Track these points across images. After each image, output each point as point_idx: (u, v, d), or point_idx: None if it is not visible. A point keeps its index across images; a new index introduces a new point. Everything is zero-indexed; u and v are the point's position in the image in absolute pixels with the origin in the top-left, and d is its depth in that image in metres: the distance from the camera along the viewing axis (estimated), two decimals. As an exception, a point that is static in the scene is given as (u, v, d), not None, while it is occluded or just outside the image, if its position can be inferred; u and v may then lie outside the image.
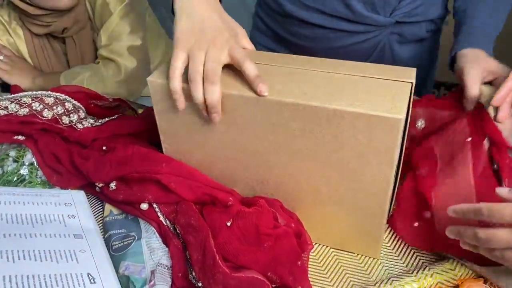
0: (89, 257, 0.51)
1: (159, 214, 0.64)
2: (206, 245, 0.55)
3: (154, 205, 0.64)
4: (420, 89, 1.05)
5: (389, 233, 0.66)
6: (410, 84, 0.54)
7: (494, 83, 0.69)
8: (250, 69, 0.55)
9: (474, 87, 0.67)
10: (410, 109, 0.54)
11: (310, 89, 0.54)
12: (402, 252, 0.63)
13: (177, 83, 0.55)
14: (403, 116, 0.49)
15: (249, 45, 0.63)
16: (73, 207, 0.60)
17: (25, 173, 0.69)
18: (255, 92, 0.54)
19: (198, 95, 0.55)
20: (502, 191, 0.53)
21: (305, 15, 0.90)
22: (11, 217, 0.52)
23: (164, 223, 0.63)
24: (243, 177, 0.63)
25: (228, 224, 0.58)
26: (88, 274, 0.48)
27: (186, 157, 0.65)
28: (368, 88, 0.53)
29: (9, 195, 0.56)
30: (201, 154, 0.64)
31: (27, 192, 0.59)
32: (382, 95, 0.52)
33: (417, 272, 0.57)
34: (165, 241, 0.61)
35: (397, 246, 0.64)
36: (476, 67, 0.69)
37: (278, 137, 0.56)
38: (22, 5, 0.97)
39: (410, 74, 0.55)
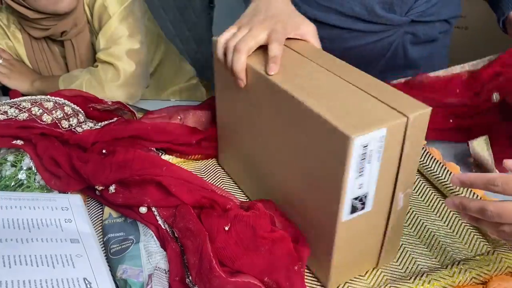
0: (85, 262, 0.51)
1: (157, 217, 0.64)
2: (203, 250, 0.55)
3: (153, 209, 0.64)
4: None
5: (387, 238, 0.65)
6: (405, 120, 0.47)
7: None
8: (272, 49, 0.58)
9: None
10: (406, 149, 0.48)
11: (313, 87, 0.53)
12: (401, 258, 0.63)
13: (220, 51, 0.63)
14: (362, 140, 0.44)
15: (315, 43, 0.65)
16: (70, 211, 0.59)
17: (23, 178, 0.69)
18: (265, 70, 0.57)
19: (239, 63, 0.60)
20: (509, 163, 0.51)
21: (322, 16, 0.91)
22: (7, 222, 0.52)
23: (162, 226, 0.63)
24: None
25: (226, 228, 0.58)
26: (84, 279, 0.48)
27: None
28: (366, 105, 0.49)
29: (5, 199, 0.56)
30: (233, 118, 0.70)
31: (24, 196, 0.59)
32: (371, 115, 0.47)
33: (414, 278, 0.57)
34: (163, 244, 0.61)
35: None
36: None
37: (273, 121, 0.58)
38: (21, 9, 0.97)
39: (417, 109, 0.48)
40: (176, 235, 0.61)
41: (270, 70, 0.56)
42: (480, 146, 0.73)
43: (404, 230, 0.66)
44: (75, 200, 0.63)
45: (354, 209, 0.49)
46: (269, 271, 0.54)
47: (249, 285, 0.52)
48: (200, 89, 1.34)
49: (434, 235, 0.66)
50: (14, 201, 0.56)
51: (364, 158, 0.46)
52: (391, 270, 0.61)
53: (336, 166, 0.46)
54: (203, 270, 0.54)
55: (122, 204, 0.64)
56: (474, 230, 0.66)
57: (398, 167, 0.49)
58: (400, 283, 0.57)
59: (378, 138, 0.45)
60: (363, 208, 0.50)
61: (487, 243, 0.64)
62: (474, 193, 0.68)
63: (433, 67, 1.02)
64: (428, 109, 0.48)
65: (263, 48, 0.61)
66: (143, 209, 0.64)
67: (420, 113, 0.47)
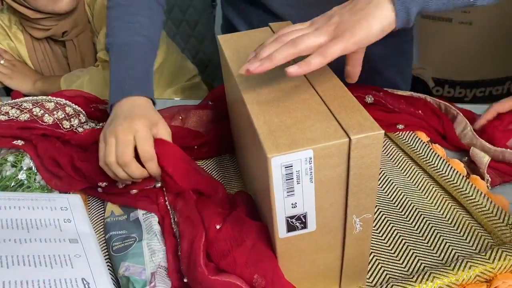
0: (84, 262, 0.51)
1: (166, 197, 0.65)
2: (195, 241, 0.55)
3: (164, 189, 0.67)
4: (395, 83, 1.03)
5: (390, 236, 0.65)
6: (347, 140, 0.44)
7: None
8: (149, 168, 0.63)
9: None
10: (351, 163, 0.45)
11: (271, 95, 0.52)
12: (404, 255, 0.62)
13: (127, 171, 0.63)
14: (281, 160, 0.42)
15: (165, 134, 0.66)
16: (69, 211, 0.59)
17: (23, 178, 0.69)
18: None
19: (122, 174, 0.62)
20: None
21: None
22: (6, 222, 0.52)
23: (169, 209, 0.64)
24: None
25: (218, 227, 0.58)
26: (82, 279, 0.48)
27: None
28: (313, 121, 0.47)
29: (5, 200, 0.56)
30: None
31: (23, 196, 0.59)
32: (308, 133, 0.45)
33: (417, 276, 0.56)
34: (164, 235, 0.61)
35: (398, 248, 0.63)
36: None
37: (245, 129, 0.58)
38: (22, 9, 0.97)
39: (365, 131, 0.44)
40: (175, 221, 0.61)
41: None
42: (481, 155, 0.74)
43: (406, 227, 0.66)
44: (75, 200, 0.63)
45: (292, 228, 0.48)
46: (254, 264, 0.53)
47: (230, 285, 0.52)
48: (202, 87, 1.34)
49: (437, 232, 0.65)
50: (13, 201, 0.56)
51: (291, 178, 0.44)
52: (393, 268, 0.60)
53: (266, 183, 0.45)
54: (191, 262, 0.54)
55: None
56: (478, 227, 0.65)
57: (347, 190, 0.47)
58: (403, 281, 0.56)
59: (304, 159, 0.43)
60: (304, 227, 0.49)
61: (491, 240, 0.63)
62: (478, 189, 0.67)
63: (393, 61, 1.01)
64: (380, 132, 0.44)
65: (247, 54, 0.59)
66: (158, 184, 0.66)
67: (367, 136, 0.44)
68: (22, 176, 0.69)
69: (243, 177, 0.76)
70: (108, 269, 0.61)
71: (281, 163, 0.43)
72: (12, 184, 0.68)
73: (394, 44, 0.98)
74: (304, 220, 0.48)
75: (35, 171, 0.70)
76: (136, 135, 0.62)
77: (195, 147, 0.80)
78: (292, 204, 0.46)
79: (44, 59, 1.10)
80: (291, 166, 0.43)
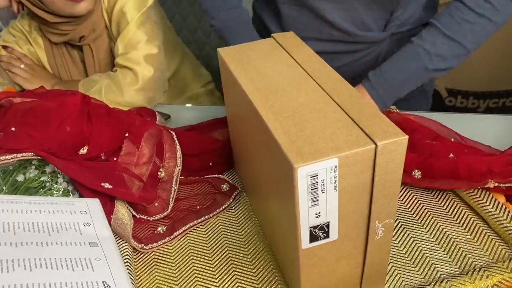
0: (104, 265, 0.51)
1: None
2: None
3: None
4: (429, 92, 1.05)
5: (406, 243, 0.65)
6: (373, 147, 0.44)
7: None
8: None
9: None
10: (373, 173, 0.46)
11: (286, 104, 0.52)
12: (420, 263, 0.62)
13: None
14: (307, 170, 0.42)
15: None
16: (89, 215, 0.60)
17: (46, 180, 0.70)
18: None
19: None
20: None
21: None
22: (27, 225, 0.53)
23: None
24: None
25: None
26: (103, 282, 0.48)
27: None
28: (334, 128, 0.47)
29: (26, 203, 0.57)
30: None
31: (43, 200, 0.60)
32: (330, 141, 0.45)
33: (434, 284, 0.56)
34: None
35: (414, 256, 0.63)
36: None
37: (255, 140, 0.58)
38: (40, 13, 0.99)
39: (390, 137, 0.45)
40: None
41: None
42: None
43: (423, 236, 0.66)
44: (94, 204, 0.64)
45: (315, 238, 0.48)
46: None
47: None
48: (216, 94, 1.35)
49: (454, 241, 0.65)
50: (34, 205, 0.57)
51: (316, 188, 0.44)
52: (411, 277, 0.60)
53: (289, 194, 0.45)
54: None
55: None
56: (495, 236, 0.65)
57: (371, 197, 0.48)
58: (420, 289, 0.56)
59: (329, 168, 0.44)
60: (326, 237, 0.49)
61: (509, 250, 0.62)
62: (494, 198, 0.67)
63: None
64: (405, 137, 0.45)
65: (255, 66, 0.61)
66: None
67: (393, 141, 0.44)
68: (45, 178, 0.70)
69: (247, 192, 0.77)
70: (128, 273, 0.61)
71: (307, 173, 0.43)
72: (35, 185, 0.69)
73: None
74: (326, 230, 0.48)
75: (58, 174, 0.71)
76: None
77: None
78: (316, 214, 0.46)
79: (62, 64, 1.11)
80: (317, 175, 0.44)
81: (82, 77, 1.08)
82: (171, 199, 0.73)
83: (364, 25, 0.87)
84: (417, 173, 0.70)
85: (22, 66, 1.07)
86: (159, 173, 0.75)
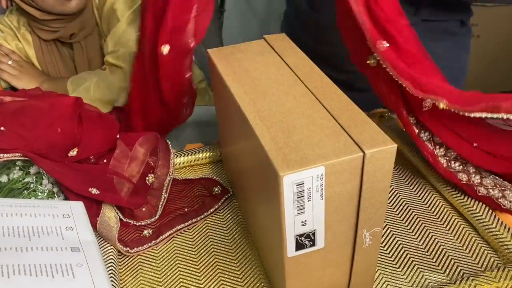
0: (85, 272, 0.50)
1: None
2: None
3: None
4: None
5: (395, 250, 0.64)
6: (361, 155, 0.43)
7: None
8: None
9: None
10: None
11: (274, 110, 0.50)
12: (408, 270, 0.61)
13: None
14: (293, 178, 0.41)
15: None
16: (72, 219, 0.59)
17: (30, 181, 0.69)
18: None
19: None
20: None
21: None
22: (7, 229, 0.52)
23: None
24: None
25: None
26: (84, 289, 0.48)
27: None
28: (322, 135, 0.46)
29: (7, 206, 0.55)
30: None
31: (25, 203, 0.59)
32: (318, 148, 0.44)
33: (422, 293, 0.56)
34: None
35: (402, 263, 0.62)
36: None
37: (244, 146, 0.57)
38: (30, 10, 0.97)
39: (379, 145, 0.44)
40: None
41: None
42: None
43: (412, 242, 0.65)
44: (77, 207, 0.62)
45: (301, 246, 0.48)
46: None
47: None
48: (208, 93, 1.33)
49: (443, 248, 0.64)
50: (15, 208, 0.56)
51: (302, 196, 0.43)
52: (398, 285, 0.59)
53: (275, 201, 0.44)
54: None
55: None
56: (484, 245, 0.64)
57: (358, 205, 0.47)
58: (407, 298, 0.56)
59: (316, 176, 0.43)
60: (313, 245, 0.48)
61: (497, 259, 0.62)
62: (485, 206, 0.66)
63: (460, 66, 1.00)
64: (393, 146, 0.44)
65: (244, 68, 0.59)
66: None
67: (381, 150, 0.43)
68: (29, 179, 0.68)
69: (235, 195, 0.76)
70: (112, 277, 0.60)
71: (293, 181, 0.42)
72: (19, 186, 0.68)
73: None
74: (313, 238, 0.47)
75: (43, 175, 0.69)
76: None
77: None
78: (302, 222, 0.46)
79: (52, 61, 1.10)
80: (303, 183, 0.43)
81: (71, 75, 1.07)
82: (160, 206, 0.72)
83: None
84: None
85: (9, 62, 1.05)
86: (147, 179, 0.74)
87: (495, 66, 1.77)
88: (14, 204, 0.56)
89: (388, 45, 0.63)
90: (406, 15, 0.85)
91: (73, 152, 0.73)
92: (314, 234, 0.47)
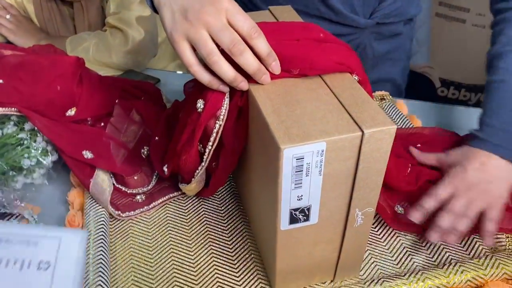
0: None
1: None
2: None
3: None
4: (399, 82, 1.05)
5: (385, 232, 0.64)
6: (359, 134, 0.43)
7: None
8: (261, 46, 0.49)
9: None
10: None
11: (280, 87, 0.49)
12: (397, 253, 0.62)
13: (206, 74, 0.51)
14: (294, 152, 0.41)
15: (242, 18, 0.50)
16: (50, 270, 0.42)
17: (24, 137, 0.68)
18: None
19: (229, 72, 0.49)
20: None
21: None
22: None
23: None
24: None
25: None
26: None
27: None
28: (325, 113, 0.45)
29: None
30: None
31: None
32: (320, 125, 0.44)
33: (409, 275, 0.56)
34: None
35: (393, 245, 0.63)
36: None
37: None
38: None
39: (378, 125, 0.44)
40: None
41: (264, 80, 0.50)
42: None
43: (403, 226, 0.66)
44: (70, 243, 0.43)
45: (295, 220, 0.48)
46: None
47: None
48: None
49: (432, 233, 0.65)
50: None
51: (300, 171, 0.43)
52: (386, 265, 0.60)
53: (273, 174, 0.44)
54: None
55: None
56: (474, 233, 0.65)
57: (353, 184, 0.47)
58: (394, 278, 0.56)
59: (316, 151, 0.42)
60: (306, 220, 0.48)
61: (486, 248, 0.63)
62: None
63: (401, 59, 1.02)
64: (393, 127, 0.44)
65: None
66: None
67: (380, 130, 0.43)
68: (23, 135, 0.67)
69: (233, 171, 0.75)
70: (102, 239, 0.60)
71: (293, 154, 0.42)
72: (13, 142, 0.67)
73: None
74: (307, 213, 0.47)
75: (37, 133, 0.68)
76: (228, 14, 0.49)
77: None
78: (298, 197, 0.46)
79: (51, 19, 1.07)
80: (303, 158, 0.42)
81: (70, 34, 1.04)
82: (154, 177, 0.72)
83: (352, 7, 0.86)
84: None
85: (8, 16, 1.03)
86: (142, 151, 0.73)
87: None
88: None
89: None
90: (360, 16, 0.86)
91: (71, 112, 0.72)
92: (309, 209, 0.47)
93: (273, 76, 0.50)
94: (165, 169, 0.64)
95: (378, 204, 0.60)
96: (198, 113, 0.54)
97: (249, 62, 0.48)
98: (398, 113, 0.85)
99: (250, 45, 0.49)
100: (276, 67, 0.50)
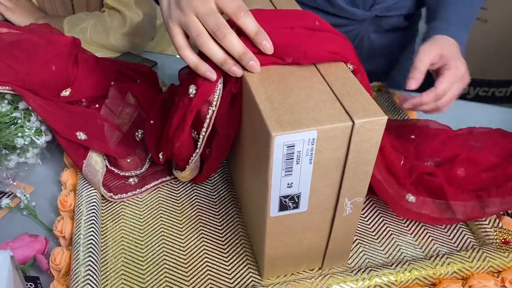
0: None
1: None
2: None
3: None
4: (385, 75, 1.04)
5: (375, 222, 0.65)
6: (350, 124, 0.43)
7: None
8: (248, 24, 0.49)
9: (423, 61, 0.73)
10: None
11: (276, 76, 0.49)
12: (386, 243, 0.62)
13: (193, 57, 0.52)
14: (285, 139, 0.42)
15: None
16: None
17: (18, 116, 0.67)
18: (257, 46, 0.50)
19: (218, 54, 0.50)
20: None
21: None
22: None
23: None
24: None
25: None
26: None
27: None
28: (317, 102, 0.45)
29: None
30: None
31: None
32: (312, 114, 0.44)
33: (396, 265, 0.57)
34: None
35: (381, 235, 0.63)
36: (433, 46, 0.73)
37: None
38: None
39: (369, 116, 0.44)
40: None
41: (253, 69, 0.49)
42: None
43: (393, 217, 0.66)
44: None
45: (284, 207, 0.48)
46: None
47: None
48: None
49: (422, 225, 0.65)
50: None
51: (291, 158, 0.44)
52: (375, 255, 0.61)
53: (264, 161, 0.44)
54: None
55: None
56: (463, 226, 0.65)
57: (343, 173, 0.47)
58: (381, 268, 0.57)
59: (307, 140, 0.43)
60: (296, 207, 0.49)
61: (474, 240, 0.63)
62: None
63: (393, 53, 1.01)
64: (384, 118, 0.44)
65: None
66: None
67: (370, 120, 0.43)
68: (17, 114, 0.67)
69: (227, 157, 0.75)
70: (94, 221, 0.61)
71: (284, 142, 0.42)
72: (6, 120, 0.66)
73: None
74: (297, 200, 0.48)
75: (31, 112, 0.68)
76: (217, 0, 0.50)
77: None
78: (288, 184, 0.46)
79: (49, -2, 1.06)
80: (293, 146, 0.42)
81: (68, 14, 1.04)
82: (147, 160, 0.72)
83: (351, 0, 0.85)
84: None
85: (6, -6, 1.02)
86: (136, 134, 0.73)
87: (498, 52, 1.76)
88: None
89: None
90: (360, 8, 0.86)
91: (66, 92, 0.71)
92: (298, 197, 0.48)
93: (265, 62, 0.50)
94: (160, 156, 0.65)
95: (387, 194, 0.62)
96: (190, 99, 0.54)
97: (233, 44, 0.49)
98: (394, 104, 0.85)
99: (238, 24, 0.50)
100: (267, 46, 0.49)
